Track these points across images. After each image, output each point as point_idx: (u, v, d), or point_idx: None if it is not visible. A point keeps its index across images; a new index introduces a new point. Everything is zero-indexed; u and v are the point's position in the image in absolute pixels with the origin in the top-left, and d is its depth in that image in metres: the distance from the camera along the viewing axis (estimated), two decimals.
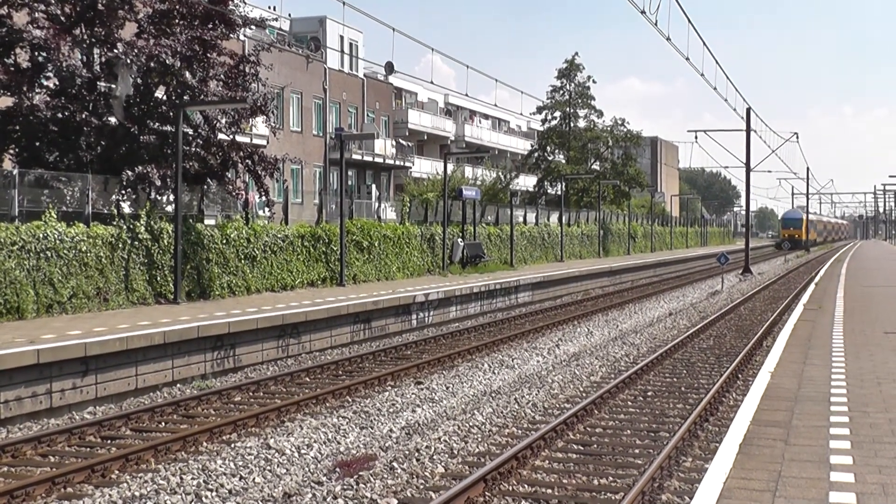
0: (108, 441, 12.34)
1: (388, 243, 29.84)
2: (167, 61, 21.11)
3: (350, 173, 49.30)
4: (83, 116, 20.91)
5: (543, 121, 62.90)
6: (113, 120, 21.74)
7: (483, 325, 25.26)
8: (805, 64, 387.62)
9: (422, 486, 10.11)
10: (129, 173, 20.95)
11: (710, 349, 20.66)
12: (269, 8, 44.65)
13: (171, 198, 21.53)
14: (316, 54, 47.77)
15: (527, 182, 66.26)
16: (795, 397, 10.68)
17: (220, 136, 23.40)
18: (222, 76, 22.81)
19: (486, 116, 74.21)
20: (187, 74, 21.79)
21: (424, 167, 57.44)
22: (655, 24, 23.23)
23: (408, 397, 15.10)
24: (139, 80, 21.84)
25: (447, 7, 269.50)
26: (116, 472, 10.72)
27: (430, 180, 50.76)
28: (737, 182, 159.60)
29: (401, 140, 56.03)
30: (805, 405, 10.21)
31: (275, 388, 15.90)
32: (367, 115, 53.04)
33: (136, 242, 19.95)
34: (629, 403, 14.62)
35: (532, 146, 65.15)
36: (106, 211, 20.70)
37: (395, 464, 10.87)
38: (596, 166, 63.42)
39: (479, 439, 12.24)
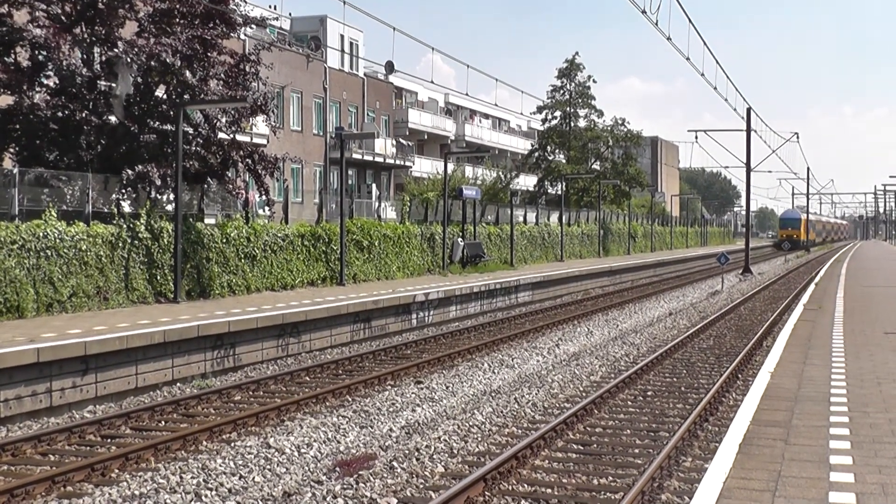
0: (108, 440, 12.34)
1: (389, 243, 29.83)
2: (167, 60, 21.11)
3: (350, 173, 49.29)
4: (83, 115, 20.91)
5: (544, 120, 62.90)
6: (113, 119, 21.74)
7: (483, 325, 25.26)
8: (805, 64, 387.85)
9: (421, 486, 10.11)
10: (130, 172, 20.95)
11: (710, 349, 20.66)
12: (270, 7, 44.68)
13: (172, 197, 21.52)
14: (316, 53, 47.76)
15: (527, 182, 66.25)
16: (795, 397, 10.68)
17: (221, 135, 23.41)
18: (223, 75, 22.81)
19: (487, 116, 74.21)
20: (187, 73, 21.79)
21: (425, 167, 57.44)
22: (656, 24, 23.24)
23: (408, 397, 15.10)
24: (139, 79, 21.84)
25: (448, 6, 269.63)
26: (116, 470, 10.72)
27: (430, 180, 50.76)
28: (737, 182, 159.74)
29: (401, 139, 56.02)
30: (805, 405, 10.21)
31: (275, 388, 15.90)
32: (368, 115, 53.03)
33: (136, 241, 19.95)
34: (629, 403, 14.62)
35: (532, 146, 65.14)
36: (106, 210, 20.70)
37: (394, 463, 10.88)
38: (596, 166, 63.41)
39: (479, 439, 12.24)
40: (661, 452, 10.80)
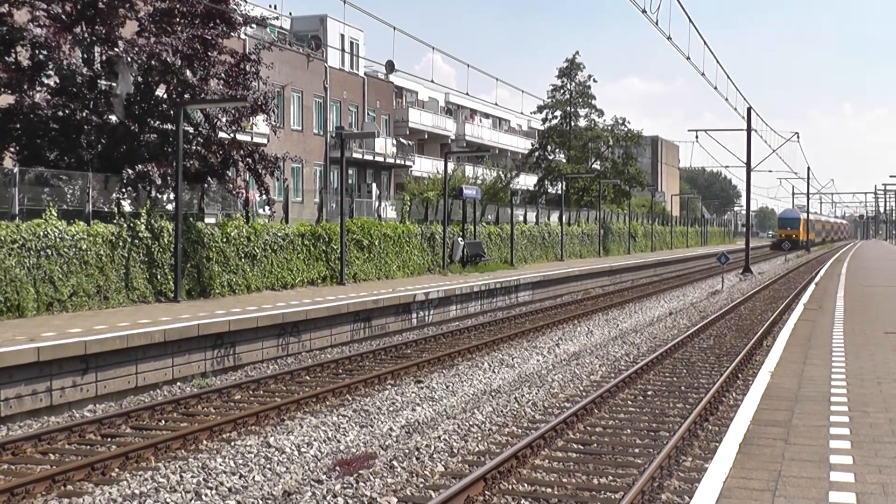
0: (108, 439, 12.34)
1: (389, 242, 29.84)
2: (168, 60, 21.11)
3: (350, 172, 49.28)
4: (84, 115, 20.91)
5: (544, 120, 62.91)
6: (113, 118, 21.74)
7: (483, 324, 25.26)
8: (805, 64, 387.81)
9: (421, 485, 10.12)
10: (130, 171, 20.95)
11: (711, 349, 20.66)
12: (270, 7, 44.67)
13: (172, 196, 21.52)
14: (316, 53, 47.75)
15: (527, 181, 66.25)
16: (795, 397, 10.68)
17: (221, 134, 23.41)
18: (223, 75, 22.81)
19: (487, 115, 74.20)
20: (188, 73, 21.79)
21: (425, 166, 57.44)
22: (656, 24, 23.23)
23: (408, 396, 15.11)
24: (140, 79, 21.84)
25: (448, 6, 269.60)
26: (116, 469, 10.72)
27: (430, 179, 50.75)
28: (737, 182, 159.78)
29: (401, 139, 56.02)
30: (805, 405, 10.21)
31: (275, 387, 15.90)
32: (368, 114, 53.02)
33: (137, 241, 19.95)
34: (629, 403, 14.62)
35: (532, 145, 65.15)
36: (106, 209, 20.70)
37: (394, 462, 10.88)
38: (596, 165, 63.42)
39: (479, 438, 12.24)
40: (662, 452, 10.80)
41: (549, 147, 62.47)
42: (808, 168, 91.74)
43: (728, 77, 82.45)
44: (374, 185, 52.75)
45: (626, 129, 62.63)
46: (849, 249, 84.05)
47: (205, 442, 12.01)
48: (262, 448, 11.62)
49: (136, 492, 9.88)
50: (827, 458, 7.92)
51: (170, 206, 22.05)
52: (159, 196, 22.09)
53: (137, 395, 15.17)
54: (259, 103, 23.44)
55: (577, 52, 64.77)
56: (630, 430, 12.75)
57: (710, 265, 57.04)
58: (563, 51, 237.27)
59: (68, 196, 20.38)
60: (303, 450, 11.62)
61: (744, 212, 72.08)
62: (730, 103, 42.85)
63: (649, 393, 15.42)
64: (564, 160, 61.93)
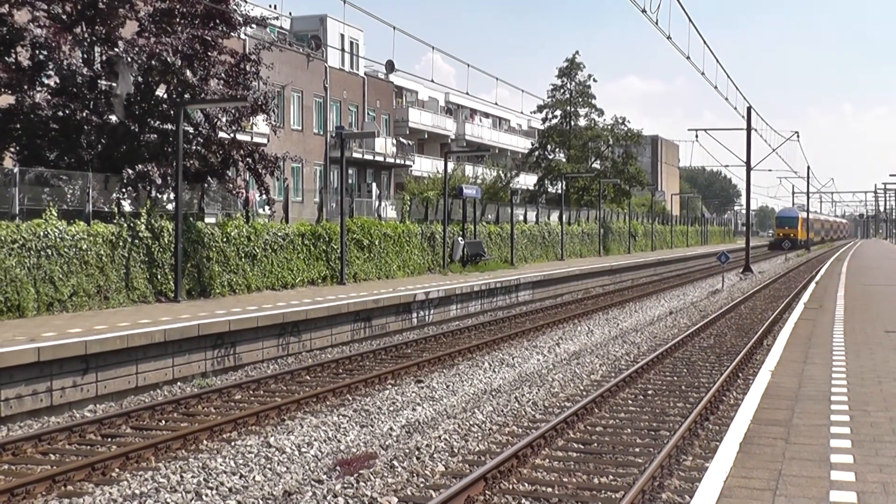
0: (109, 439, 12.34)
1: (389, 242, 29.83)
2: (168, 60, 21.11)
3: (350, 172, 49.28)
4: (84, 115, 20.91)
5: (544, 119, 62.90)
6: (114, 118, 21.74)
7: (483, 324, 25.26)
8: (805, 63, 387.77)
9: (422, 485, 10.12)
10: (130, 171, 20.95)
11: (711, 348, 20.66)
12: (270, 7, 44.67)
13: (172, 196, 21.52)
14: (316, 53, 47.75)
15: (527, 181, 66.25)
16: (796, 396, 10.67)
17: (221, 134, 23.41)
18: (223, 75, 22.81)
19: (487, 115, 74.18)
20: (188, 73, 21.78)
21: (425, 166, 57.44)
22: (656, 23, 23.23)
23: (408, 396, 15.10)
24: (140, 79, 21.84)
25: (448, 5, 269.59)
26: (117, 470, 10.72)
27: (430, 179, 50.76)
28: (737, 181, 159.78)
29: (401, 138, 56.01)
30: (805, 404, 10.21)
31: (275, 387, 15.90)
32: (368, 114, 53.02)
33: (137, 241, 19.95)
34: (630, 402, 14.62)
35: (532, 145, 65.13)
36: (106, 209, 20.70)
37: (395, 462, 10.88)
38: (596, 165, 63.41)
39: (480, 438, 12.24)
40: (662, 451, 10.80)
41: (548, 146, 62.47)
42: (808, 167, 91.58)
43: (728, 76, 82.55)
44: (374, 184, 52.75)
45: (626, 128, 62.62)
46: (849, 249, 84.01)
47: (205, 442, 12.01)
48: (263, 448, 11.62)
49: (137, 492, 9.88)
50: (827, 457, 7.92)
51: (170, 206, 22.05)
52: (159, 196, 22.09)
53: (138, 395, 15.17)
54: (259, 103, 23.44)
55: (577, 52, 64.78)
56: (630, 429, 12.74)
57: (710, 264, 57.04)
58: (563, 50, 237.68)
59: (68, 196, 20.38)
60: (303, 450, 11.62)
61: (744, 211, 72.08)
62: (730, 102, 42.88)
63: (650, 392, 15.42)
64: (564, 160, 61.92)
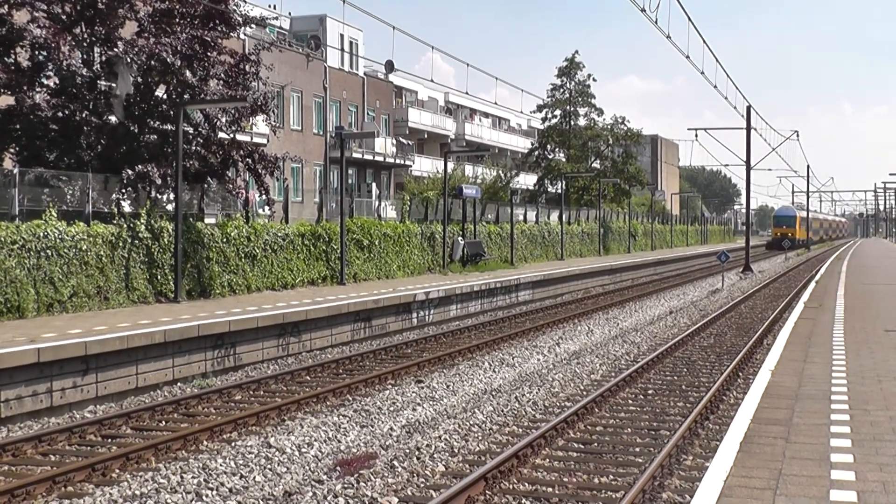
0: (109, 440, 12.34)
1: (389, 242, 29.83)
2: (167, 60, 21.11)
3: (350, 172, 49.28)
4: (83, 115, 20.91)
5: (544, 119, 62.90)
6: (113, 119, 21.74)
7: (483, 324, 25.25)
8: (805, 62, 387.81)
9: (422, 485, 10.11)
10: (130, 172, 20.95)
11: (711, 347, 20.66)
12: (270, 7, 44.66)
13: (172, 196, 21.52)
14: (316, 53, 47.75)
15: (527, 180, 66.25)
16: (796, 395, 10.67)
17: (221, 134, 23.41)
18: (223, 75, 22.81)
19: (487, 115, 74.17)
20: (188, 73, 21.79)
21: (425, 165, 57.44)
22: (655, 23, 23.22)
23: (408, 396, 15.10)
24: (139, 79, 21.85)
25: (447, 5, 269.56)
26: (117, 470, 10.72)
27: (430, 179, 50.75)
28: (737, 180, 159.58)
29: (401, 138, 56.01)
30: (806, 403, 10.21)
31: (275, 387, 15.90)
32: (368, 114, 53.02)
33: (137, 241, 19.95)
34: (630, 402, 14.62)
35: (532, 144, 65.13)
36: (106, 210, 20.69)
37: (395, 462, 10.88)
38: (596, 164, 63.41)
39: (480, 438, 12.24)
40: (662, 451, 10.80)
41: (548, 146, 62.47)
42: (808, 166, 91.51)
43: (728, 76, 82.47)
44: (373, 184, 52.75)
45: (625, 127, 62.63)
46: (849, 248, 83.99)
47: (205, 442, 12.00)
48: (263, 448, 11.62)
49: (137, 492, 9.88)
50: (828, 457, 7.92)
51: (170, 207, 22.06)
52: (159, 196, 22.09)
53: (138, 396, 15.17)
54: (259, 103, 23.44)
55: (577, 52, 64.89)
56: (631, 428, 12.74)
57: (710, 264, 57.03)
58: (562, 50, 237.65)
59: (68, 197, 20.38)
60: (303, 450, 11.62)
61: (744, 210, 72.06)
62: (729, 102, 42.92)
63: (650, 392, 15.42)
64: (564, 159, 61.93)
